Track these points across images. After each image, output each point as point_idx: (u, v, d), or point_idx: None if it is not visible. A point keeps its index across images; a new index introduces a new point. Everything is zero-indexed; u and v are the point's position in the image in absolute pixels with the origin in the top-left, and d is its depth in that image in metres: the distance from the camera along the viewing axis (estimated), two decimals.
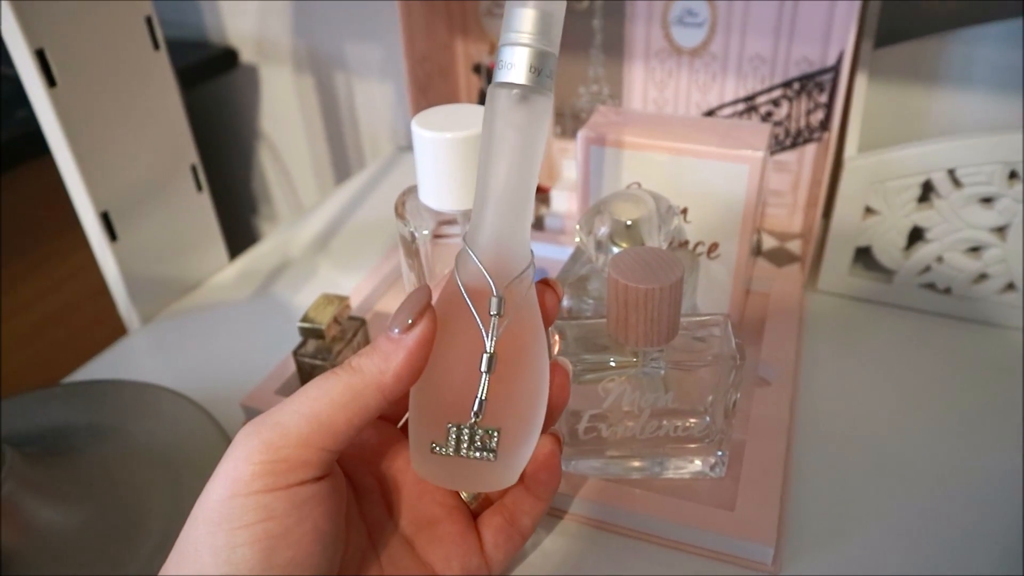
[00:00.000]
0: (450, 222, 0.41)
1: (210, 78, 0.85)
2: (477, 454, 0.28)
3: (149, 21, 0.53)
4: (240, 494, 0.25)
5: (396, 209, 0.42)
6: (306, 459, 0.26)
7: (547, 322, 0.31)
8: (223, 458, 0.26)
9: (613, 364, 0.38)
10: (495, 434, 0.28)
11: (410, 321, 0.27)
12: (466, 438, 0.28)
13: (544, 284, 0.32)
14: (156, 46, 0.54)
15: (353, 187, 0.76)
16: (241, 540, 0.25)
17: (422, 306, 0.27)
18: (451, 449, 0.28)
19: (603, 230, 0.42)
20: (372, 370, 0.27)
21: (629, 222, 0.42)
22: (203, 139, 0.92)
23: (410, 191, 0.42)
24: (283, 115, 0.88)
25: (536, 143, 0.29)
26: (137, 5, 0.52)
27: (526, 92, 0.27)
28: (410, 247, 0.42)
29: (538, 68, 0.27)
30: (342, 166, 0.89)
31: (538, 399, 0.30)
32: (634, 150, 0.46)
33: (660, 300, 0.35)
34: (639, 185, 0.47)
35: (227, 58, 0.85)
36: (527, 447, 0.30)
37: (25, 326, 0.75)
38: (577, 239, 0.43)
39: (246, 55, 0.86)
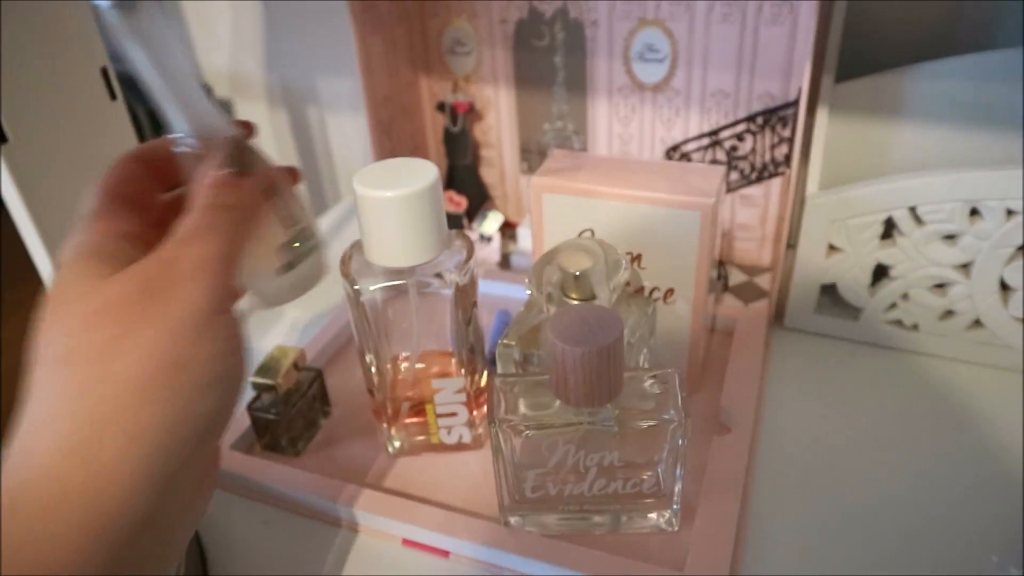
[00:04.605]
0: (400, 278, 0.40)
1: None
2: None
3: (105, 72, 0.53)
4: None
5: (340, 266, 0.42)
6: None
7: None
8: None
9: (557, 423, 0.37)
10: None
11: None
12: None
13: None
14: (113, 96, 0.54)
15: (328, 221, 0.76)
16: None
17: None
18: None
19: (553, 281, 0.42)
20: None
21: (578, 272, 0.41)
22: None
23: (356, 246, 0.42)
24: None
25: (165, 43, 0.29)
26: (92, 56, 0.52)
27: (127, 3, 0.28)
28: (357, 303, 0.41)
29: None
30: (318, 200, 0.89)
31: None
32: (587, 197, 0.45)
33: (598, 361, 0.34)
34: (592, 233, 0.46)
35: None
36: None
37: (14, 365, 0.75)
38: (527, 291, 0.43)
39: (220, 90, 0.86)
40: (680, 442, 0.37)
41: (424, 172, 0.39)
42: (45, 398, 0.25)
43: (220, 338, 0.27)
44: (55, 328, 0.26)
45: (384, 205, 0.38)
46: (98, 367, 0.25)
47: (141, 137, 0.58)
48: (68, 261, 0.28)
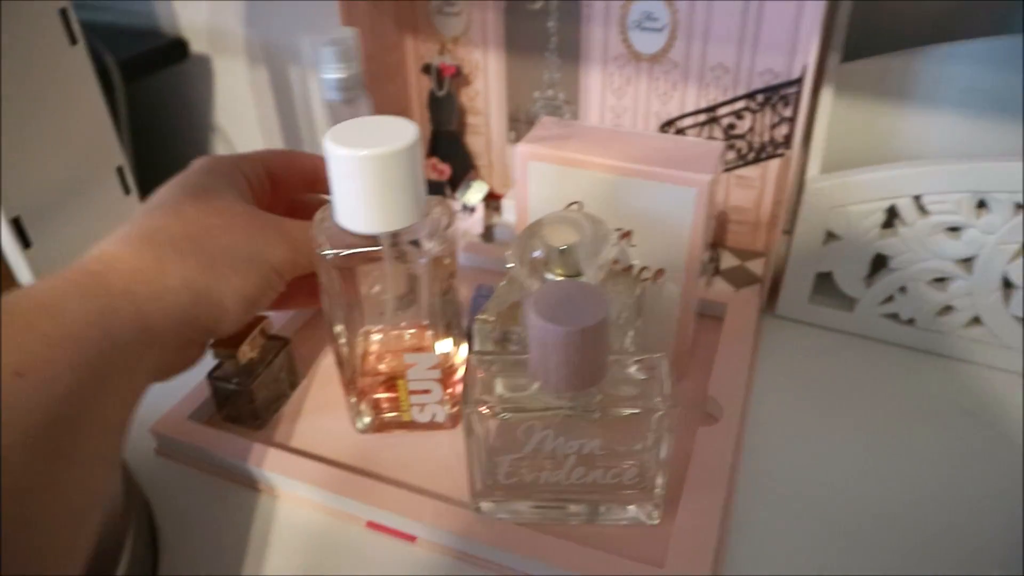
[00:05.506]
0: (371, 244, 0.38)
1: (160, 69, 0.81)
2: None
3: (64, 13, 0.49)
4: None
5: (312, 229, 0.39)
6: None
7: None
8: None
9: (535, 407, 0.35)
10: None
11: None
12: None
13: None
14: (73, 40, 0.50)
15: None
16: None
17: None
18: None
19: (536, 255, 0.39)
20: None
21: (563, 247, 0.38)
22: (154, 133, 0.88)
23: (327, 209, 0.39)
24: (238, 109, 0.85)
25: None
26: None
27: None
28: (326, 270, 0.39)
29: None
30: None
31: None
32: (576, 167, 0.43)
33: (582, 342, 0.32)
34: (580, 205, 0.44)
35: (177, 48, 0.81)
36: None
37: None
38: (508, 264, 0.40)
39: (197, 45, 0.82)
40: (666, 432, 0.35)
41: (403, 131, 0.36)
42: (146, 228, 0.35)
43: (268, 274, 0.37)
44: (179, 197, 0.37)
45: (357, 165, 0.35)
46: (198, 232, 0.35)
47: (105, 85, 0.54)
48: (218, 171, 0.39)
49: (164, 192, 0.38)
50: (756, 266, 0.57)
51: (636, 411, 0.35)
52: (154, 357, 0.33)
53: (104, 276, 0.32)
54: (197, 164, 0.39)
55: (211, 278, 0.35)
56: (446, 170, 0.62)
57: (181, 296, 0.34)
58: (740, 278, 0.56)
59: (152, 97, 0.87)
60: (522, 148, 0.43)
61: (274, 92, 0.81)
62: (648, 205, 0.42)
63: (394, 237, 0.37)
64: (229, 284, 0.35)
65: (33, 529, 0.26)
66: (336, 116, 0.37)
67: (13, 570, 0.25)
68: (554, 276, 0.39)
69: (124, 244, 0.34)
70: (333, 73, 0.42)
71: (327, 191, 0.38)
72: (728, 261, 0.58)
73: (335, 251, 0.37)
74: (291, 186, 0.43)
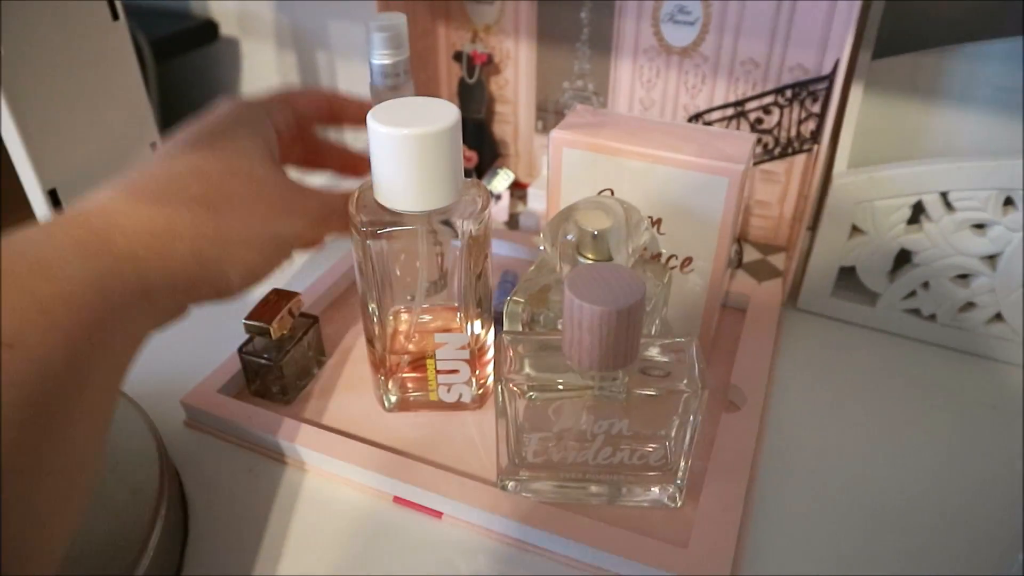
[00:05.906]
0: (409, 223, 0.38)
1: (189, 50, 0.82)
2: None
3: None
4: None
5: (350, 205, 0.39)
6: None
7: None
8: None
9: (563, 387, 0.35)
10: None
11: None
12: None
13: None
14: (115, 16, 0.51)
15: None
16: None
17: None
18: None
19: (569, 239, 0.40)
20: None
21: (596, 232, 0.39)
22: (181, 113, 0.89)
23: (366, 187, 0.40)
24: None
25: None
26: None
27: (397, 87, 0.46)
28: (363, 247, 0.39)
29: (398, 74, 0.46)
30: None
31: None
32: (609, 155, 0.43)
33: (617, 323, 0.32)
34: (612, 192, 0.44)
35: (207, 30, 0.81)
36: None
37: None
38: (541, 247, 0.41)
39: (227, 28, 0.83)
40: (693, 414, 0.36)
41: (444, 112, 0.37)
42: (161, 183, 0.33)
43: (280, 249, 0.36)
44: (202, 151, 0.34)
45: (399, 144, 0.36)
46: (217, 198, 0.33)
47: (141, 63, 0.55)
48: (247, 121, 0.37)
49: (187, 137, 0.35)
50: (777, 260, 0.58)
51: (665, 392, 0.35)
52: (149, 317, 0.31)
53: (108, 235, 0.30)
54: (224, 109, 0.37)
55: (221, 251, 0.33)
56: (473, 157, 0.63)
57: (188, 265, 0.32)
58: (761, 272, 0.57)
59: (180, 77, 0.87)
60: (557, 134, 0.44)
61: (301, 76, 0.82)
62: (680, 194, 0.42)
63: (430, 216, 0.38)
64: (238, 258, 0.34)
65: (25, 503, 0.25)
66: (381, 101, 0.37)
67: (6, 539, 0.24)
68: (585, 260, 0.40)
69: (135, 199, 0.31)
70: (382, 59, 0.43)
71: (341, 123, 0.41)
72: (749, 255, 0.59)
73: (372, 228, 0.38)
74: (310, 121, 0.42)
